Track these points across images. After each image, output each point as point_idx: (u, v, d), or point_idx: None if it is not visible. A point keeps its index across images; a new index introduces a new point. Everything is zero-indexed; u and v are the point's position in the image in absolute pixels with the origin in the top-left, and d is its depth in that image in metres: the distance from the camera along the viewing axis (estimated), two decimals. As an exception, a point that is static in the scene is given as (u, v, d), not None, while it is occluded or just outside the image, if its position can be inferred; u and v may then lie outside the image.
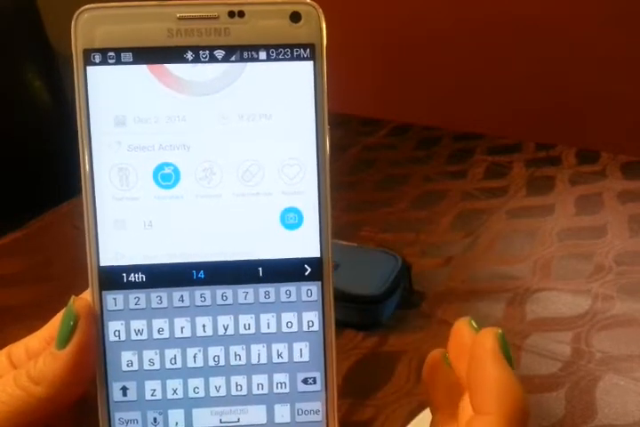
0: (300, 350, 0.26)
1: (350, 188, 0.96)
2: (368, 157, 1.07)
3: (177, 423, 0.26)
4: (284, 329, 0.26)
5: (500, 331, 0.25)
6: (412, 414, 0.56)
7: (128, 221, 0.26)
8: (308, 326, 0.26)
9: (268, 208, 0.26)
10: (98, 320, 0.26)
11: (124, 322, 0.26)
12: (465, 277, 0.77)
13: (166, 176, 0.26)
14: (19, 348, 0.27)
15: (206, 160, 0.26)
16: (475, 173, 1.01)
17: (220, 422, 0.26)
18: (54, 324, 0.25)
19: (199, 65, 0.25)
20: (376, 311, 0.69)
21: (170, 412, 0.26)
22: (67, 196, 0.93)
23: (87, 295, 0.26)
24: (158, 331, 0.26)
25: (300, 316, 0.26)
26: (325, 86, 0.26)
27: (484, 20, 1.30)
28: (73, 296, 0.25)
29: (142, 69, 0.25)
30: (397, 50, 1.39)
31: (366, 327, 0.68)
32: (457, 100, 1.35)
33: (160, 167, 0.26)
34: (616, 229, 0.84)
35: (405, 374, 0.62)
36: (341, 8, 1.36)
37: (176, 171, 0.26)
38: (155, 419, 0.26)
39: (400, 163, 1.05)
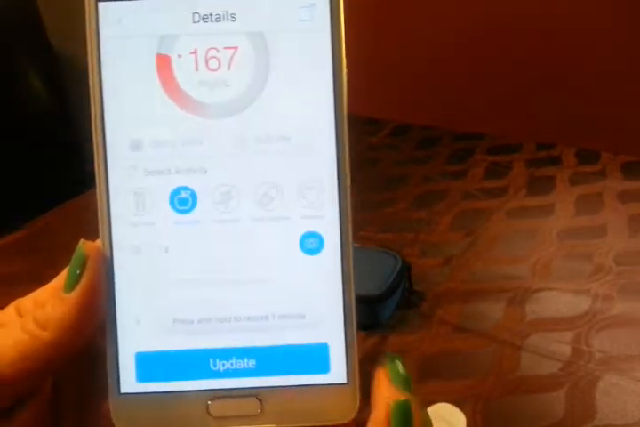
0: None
1: (350, 188, 0.96)
2: (369, 157, 1.07)
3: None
4: None
5: (395, 358, 0.25)
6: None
7: (143, 247, 0.26)
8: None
9: (288, 233, 0.26)
10: (107, 263, 0.25)
11: None
12: (465, 277, 0.77)
13: (183, 201, 0.26)
14: (27, 300, 0.26)
15: (223, 184, 0.26)
16: (475, 173, 1.01)
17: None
18: (62, 276, 0.25)
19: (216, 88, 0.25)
20: (376, 311, 0.69)
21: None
22: (67, 196, 0.93)
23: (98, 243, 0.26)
24: None
25: None
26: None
27: (484, 20, 1.30)
28: (82, 239, 0.25)
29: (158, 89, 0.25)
30: (397, 50, 1.39)
31: (366, 327, 0.68)
32: (457, 100, 1.35)
33: (177, 192, 0.26)
34: (616, 229, 0.84)
35: (405, 374, 0.62)
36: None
37: (193, 195, 0.26)
38: None
39: (400, 163, 1.05)
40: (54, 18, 1.37)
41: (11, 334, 0.24)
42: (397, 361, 0.25)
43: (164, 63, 0.26)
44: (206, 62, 0.25)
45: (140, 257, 0.26)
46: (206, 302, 0.26)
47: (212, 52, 0.25)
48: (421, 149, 1.10)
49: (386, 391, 0.24)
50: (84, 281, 0.24)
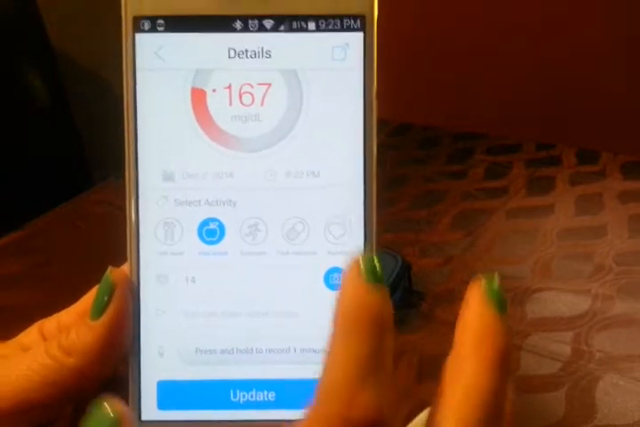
0: None
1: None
2: (368, 157, 1.07)
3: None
4: None
5: (493, 276, 0.23)
6: (413, 414, 0.56)
7: (170, 276, 0.26)
8: None
9: (313, 267, 0.26)
10: (134, 292, 0.26)
11: None
12: (465, 277, 0.77)
13: (211, 232, 0.26)
14: (50, 322, 0.26)
15: (251, 217, 0.26)
16: (475, 173, 1.01)
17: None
18: (88, 299, 0.25)
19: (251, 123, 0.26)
20: (376, 311, 0.69)
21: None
22: (67, 196, 0.93)
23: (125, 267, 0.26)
24: None
25: None
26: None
27: (484, 19, 1.30)
28: (110, 267, 0.25)
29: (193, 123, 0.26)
30: (397, 50, 1.39)
31: (366, 327, 0.68)
32: (457, 100, 1.35)
33: (205, 223, 0.26)
34: (616, 229, 0.84)
35: (405, 374, 0.62)
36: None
37: (221, 227, 0.26)
38: None
39: (400, 163, 1.05)
40: (54, 18, 1.37)
41: (35, 358, 0.24)
42: (495, 279, 0.24)
43: (198, 97, 0.26)
44: (240, 97, 0.26)
45: (167, 286, 0.26)
46: (229, 333, 0.26)
47: (246, 88, 0.26)
48: (421, 148, 1.09)
49: (476, 305, 0.23)
50: (111, 309, 0.24)
